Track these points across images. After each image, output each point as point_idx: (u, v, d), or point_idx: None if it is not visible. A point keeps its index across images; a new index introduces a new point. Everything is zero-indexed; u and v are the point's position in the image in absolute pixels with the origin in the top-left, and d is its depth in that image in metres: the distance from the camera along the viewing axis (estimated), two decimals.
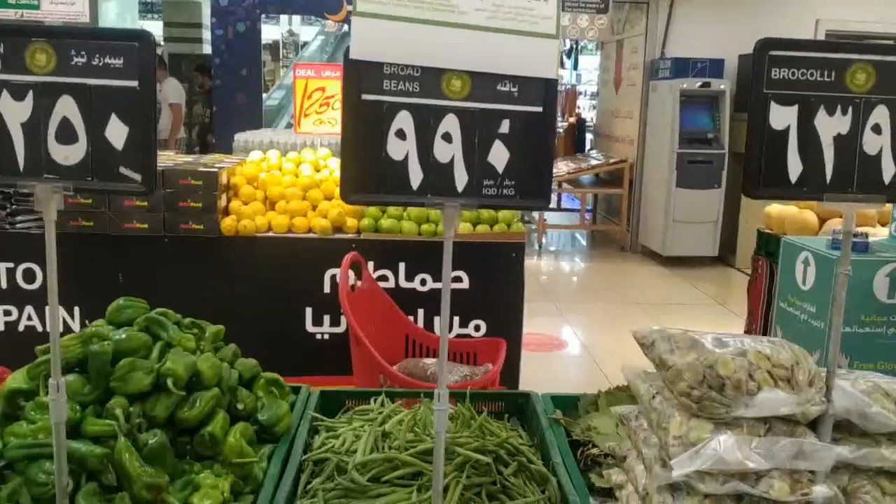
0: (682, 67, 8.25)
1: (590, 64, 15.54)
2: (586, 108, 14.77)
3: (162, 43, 12.79)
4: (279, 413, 1.87)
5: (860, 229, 4.90)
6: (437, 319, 4.13)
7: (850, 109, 1.27)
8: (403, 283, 4.08)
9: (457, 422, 1.82)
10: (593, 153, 10.44)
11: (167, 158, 4.35)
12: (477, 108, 1.29)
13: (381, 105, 1.26)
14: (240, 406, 1.80)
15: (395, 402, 2.05)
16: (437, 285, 4.11)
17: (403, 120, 1.27)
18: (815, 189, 1.29)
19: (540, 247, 9.25)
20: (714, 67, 8.35)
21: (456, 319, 4.15)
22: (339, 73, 4.98)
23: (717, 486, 1.30)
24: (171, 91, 8.91)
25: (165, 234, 3.88)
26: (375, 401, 2.08)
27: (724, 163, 8.27)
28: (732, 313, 6.75)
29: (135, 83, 1.21)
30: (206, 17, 9.62)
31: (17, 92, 1.20)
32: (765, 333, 4.72)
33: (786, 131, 1.27)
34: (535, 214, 9.44)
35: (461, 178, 1.31)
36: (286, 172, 4.29)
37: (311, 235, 4.03)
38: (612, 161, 9.33)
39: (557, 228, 10.31)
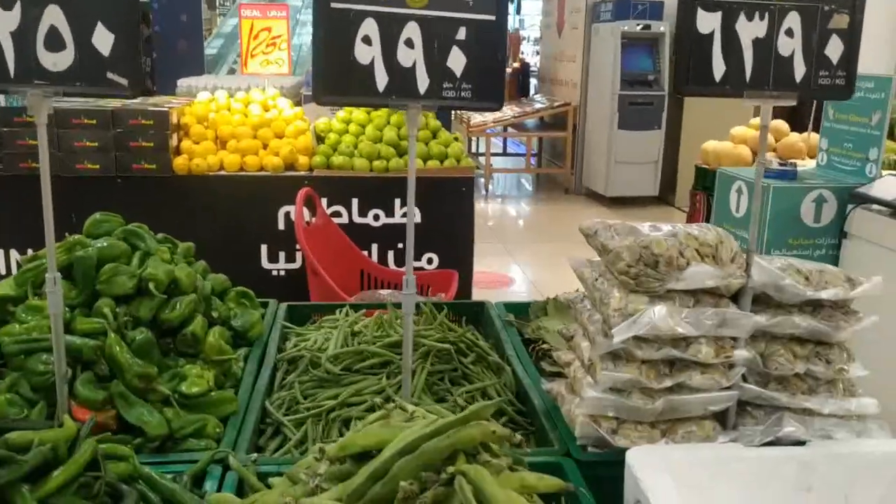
0: (623, 10, 8.40)
1: (533, 9, 15.59)
2: (530, 54, 14.85)
3: None
4: (252, 320, 2.00)
5: (790, 160, 5.18)
6: (390, 253, 4.27)
7: (766, 15, 1.43)
8: (357, 219, 4.20)
9: (419, 321, 1.98)
10: (537, 97, 10.58)
11: (114, 100, 4.33)
12: (436, 16, 1.41)
13: (348, 13, 1.37)
14: (214, 314, 1.92)
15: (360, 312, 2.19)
16: (390, 220, 4.24)
17: (369, 27, 1.38)
18: (736, 87, 1.46)
19: (487, 191, 9.42)
20: (654, 10, 8.52)
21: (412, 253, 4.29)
22: (285, 13, 4.98)
23: (653, 352, 1.48)
24: None
25: (118, 174, 3.90)
26: (340, 312, 2.22)
27: (664, 104, 8.50)
28: None
29: None
30: None
31: (6, 2, 1.28)
32: None
33: (710, 35, 1.42)
34: (482, 159, 9.59)
35: (423, 81, 1.43)
36: (235, 112, 4.32)
37: (263, 173, 4.10)
38: (555, 105, 9.50)
39: (504, 172, 10.48)
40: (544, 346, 2.03)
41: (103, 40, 1.30)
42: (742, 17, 1.42)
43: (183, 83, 5.51)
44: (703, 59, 1.43)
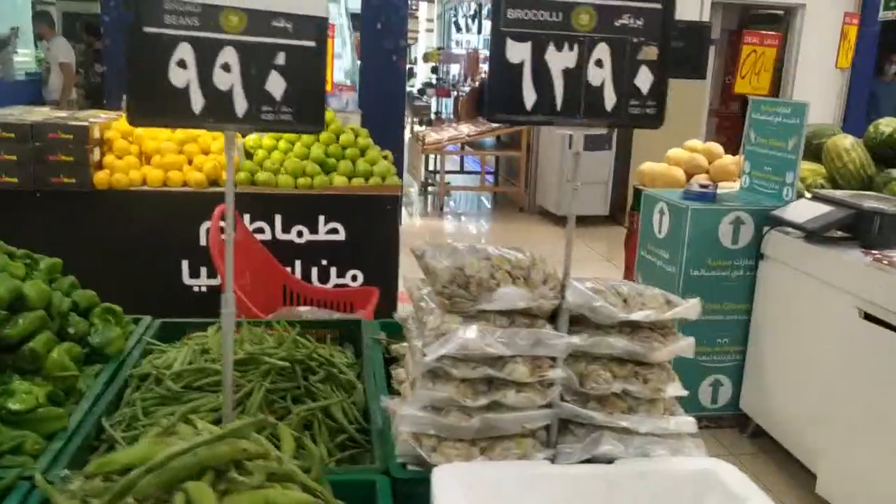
0: None
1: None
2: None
3: (55, 1, 12.33)
4: (111, 336, 2.01)
5: (720, 183, 5.29)
6: (314, 270, 4.29)
7: (575, 46, 1.48)
8: (280, 236, 4.22)
9: (274, 339, 2.00)
10: None
11: (40, 114, 4.34)
12: (254, 42, 1.45)
13: (161, 37, 1.40)
14: (71, 330, 1.94)
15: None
16: (314, 237, 4.26)
17: (184, 51, 1.41)
18: (546, 115, 1.50)
19: (441, 208, 9.47)
20: None
21: (333, 270, 4.32)
22: None
23: (469, 370, 1.51)
24: (60, 49, 8.66)
25: (36, 187, 3.90)
26: (211, 328, 2.23)
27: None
28: (616, 268, 7.13)
29: None
30: None
31: None
32: None
33: (521, 64, 1.47)
34: (437, 177, 9.65)
35: (241, 105, 1.46)
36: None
37: (185, 189, 4.11)
38: None
39: (460, 190, 10.55)
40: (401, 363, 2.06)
41: None
42: (551, 48, 1.47)
43: None
44: (514, 87, 1.47)
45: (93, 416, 1.71)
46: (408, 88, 10.02)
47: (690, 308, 1.62)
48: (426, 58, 15.91)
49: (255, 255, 3.96)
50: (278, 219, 4.20)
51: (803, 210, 3.86)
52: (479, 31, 13.96)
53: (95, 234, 4.02)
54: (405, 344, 1.99)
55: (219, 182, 4.17)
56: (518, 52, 1.46)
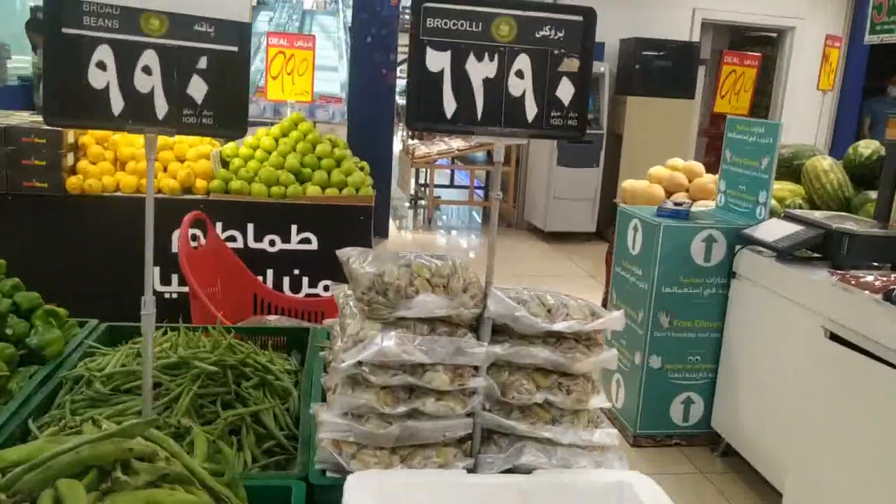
0: None
1: None
2: None
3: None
4: (49, 338, 2.01)
5: (700, 201, 5.29)
6: (286, 279, 4.29)
7: (496, 56, 1.48)
8: (252, 244, 4.22)
9: (209, 344, 2.00)
10: None
11: (18, 118, 4.35)
12: (175, 45, 1.46)
13: (81, 38, 1.41)
14: (8, 331, 1.93)
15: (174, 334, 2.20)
16: (286, 246, 4.26)
17: (104, 52, 1.42)
18: (467, 124, 1.51)
19: (429, 221, 9.48)
20: (595, 50, 8.67)
21: (305, 280, 4.32)
22: None
23: (388, 378, 1.51)
24: None
25: (9, 191, 3.91)
26: (159, 331, 2.23)
27: (602, 143, 8.64)
28: (600, 284, 7.12)
29: None
30: None
31: None
32: None
33: (441, 73, 1.47)
34: (426, 190, 9.67)
35: (161, 108, 1.47)
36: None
37: (159, 196, 4.12)
38: None
39: (448, 204, 10.56)
40: None
41: None
42: (472, 58, 1.48)
43: None
44: (434, 96, 1.48)
45: (19, 416, 1.70)
46: (399, 101, 10.05)
47: (614, 320, 1.61)
48: None
49: (226, 263, 3.96)
50: (251, 227, 4.21)
51: (774, 229, 3.86)
52: None
53: (68, 239, 4.02)
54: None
55: (192, 189, 4.19)
56: (438, 60, 1.47)
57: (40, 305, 2.14)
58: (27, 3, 14.26)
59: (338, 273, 4.41)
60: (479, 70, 1.48)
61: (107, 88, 1.44)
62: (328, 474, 1.55)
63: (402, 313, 1.49)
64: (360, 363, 1.48)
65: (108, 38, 1.42)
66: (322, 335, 2.33)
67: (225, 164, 4.45)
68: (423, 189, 10.19)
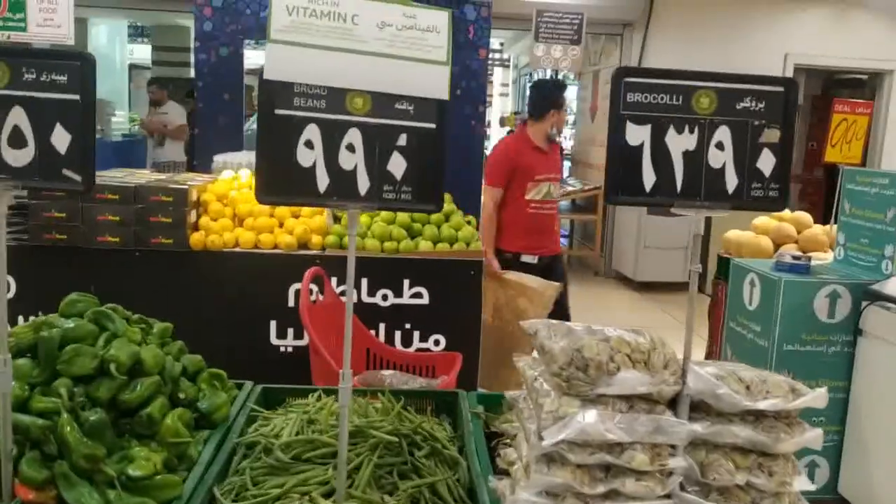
0: None
1: (569, 93, 15.81)
2: (566, 137, 15.10)
3: (150, 66, 13.05)
4: (218, 402, 2.05)
5: (811, 254, 5.14)
6: (398, 333, 4.31)
7: (696, 129, 1.47)
8: (366, 299, 4.26)
9: (379, 411, 2.00)
10: (570, 180, 10.68)
11: (141, 176, 4.54)
12: (377, 123, 1.49)
13: (291, 119, 1.46)
14: (181, 395, 1.98)
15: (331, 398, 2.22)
16: (399, 300, 4.29)
17: (311, 132, 1.47)
18: (667, 197, 1.49)
19: None
20: None
21: (416, 334, 4.33)
22: None
23: (586, 456, 1.47)
24: (176, 113, 9.24)
25: (137, 247, 4.06)
26: (312, 396, 2.25)
27: None
28: (699, 336, 6.93)
29: (77, 96, 1.40)
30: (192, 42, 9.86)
31: None
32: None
33: (640, 147, 1.46)
34: None
35: (363, 184, 1.50)
36: None
37: (276, 251, 4.21)
38: (587, 188, 9.57)
39: None
40: (507, 441, 2.03)
41: (61, 139, 1.40)
42: (671, 130, 1.46)
43: (219, 158, 5.73)
44: (634, 169, 1.47)
45: (204, 484, 1.72)
46: (486, 152, 10.13)
47: (817, 397, 1.55)
48: (502, 122, 16.07)
49: (341, 318, 4.00)
50: (364, 282, 4.25)
51: None
52: None
53: (190, 294, 4.14)
54: (515, 423, 1.96)
55: (308, 245, 4.27)
56: (638, 134, 1.46)
57: (204, 368, 2.19)
58: (125, 62, 15.07)
59: (448, 328, 4.41)
60: (679, 143, 1.46)
61: (314, 166, 1.48)
62: None
63: (603, 390, 1.46)
64: (559, 441, 1.45)
65: (316, 117, 1.46)
66: (473, 400, 2.31)
67: (336, 219, 4.53)
68: None
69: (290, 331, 4.24)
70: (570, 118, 13.73)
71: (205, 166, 7.02)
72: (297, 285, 4.19)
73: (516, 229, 5.08)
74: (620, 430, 1.46)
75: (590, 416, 1.44)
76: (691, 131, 1.46)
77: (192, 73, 10.23)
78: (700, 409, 1.56)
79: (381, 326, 4.28)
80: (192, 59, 10.44)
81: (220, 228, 4.20)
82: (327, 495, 1.60)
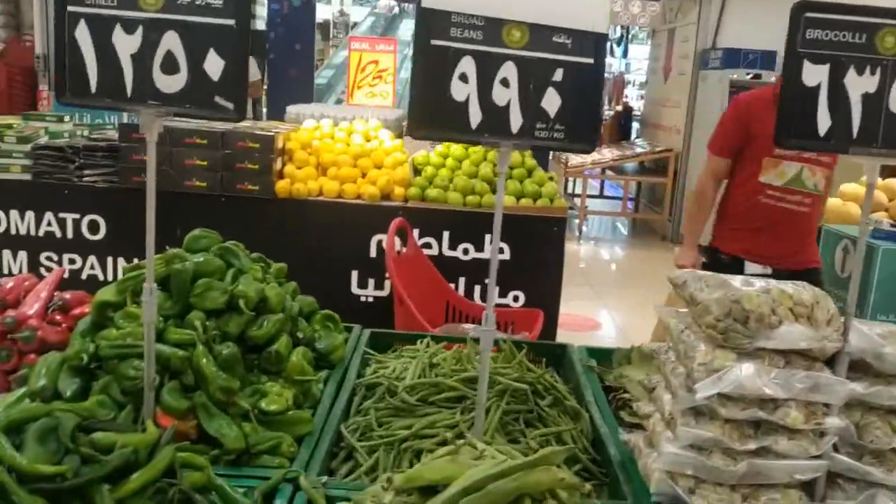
0: (733, 58, 8.23)
1: (639, 54, 15.50)
2: (634, 98, 14.75)
3: None
4: (335, 343, 2.04)
5: None
6: (477, 288, 4.27)
7: (878, 70, 1.37)
8: (447, 252, 4.23)
9: (498, 359, 1.97)
10: (639, 141, 10.47)
11: (223, 122, 4.54)
12: (533, 57, 1.43)
13: (447, 50, 1.40)
14: (300, 334, 1.97)
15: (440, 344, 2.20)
16: (479, 255, 4.25)
17: (466, 65, 1.41)
18: (841, 142, 1.40)
19: (580, 233, 9.32)
20: (765, 59, 8.30)
21: (495, 289, 4.29)
22: (393, 46, 5.12)
23: (737, 411, 1.42)
24: (251, 68, 9.32)
25: (223, 192, 4.08)
26: (421, 342, 2.23)
27: None
28: None
29: (232, 21, 1.37)
30: None
31: (129, 26, 1.37)
32: None
33: (817, 88, 1.37)
34: (577, 200, 9.52)
35: (516, 121, 1.44)
36: (338, 141, 4.46)
37: (359, 201, 4.20)
38: (657, 150, 9.36)
39: (599, 215, 10.37)
40: (625, 395, 1.98)
41: (214, 66, 1.37)
42: (852, 71, 1.37)
43: (292, 110, 5.73)
44: (808, 112, 1.38)
45: (331, 422, 1.72)
46: None
47: None
48: None
49: (424, 270, 3.99)
50: (446, 235, 4.21)
51: None
52: (625, 55, 13.76)
53: (273, 241, 4.13)
54: (632, 377, 1.91)
55: (391, 196, 4.24)
56: (815, 74, 1.37)
57: (317, 310, 2.18)
58: None
59: (528, 285, 4.33)
60: (859, 84, 1.37)
61: (467, 101, 1.42)
62: None
63: (763, 343, 1.40)
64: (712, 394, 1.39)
65: (471, 49, 1.41)
66: (583, 354, 2.26)
67: (417, 171, 4.49)
68: (571, 199, 10.05)
69: (371, 281, 4.24)
70: (643, 77, 13.41)
71: (275, 117, 7.01)
72: (378, 236, 4.18)
73: (740, 223, 3.46)
74: (777, 385, 1.40)
75: (747, 370, 1.38)
76: (872, 72, 1.37)
77: (259, 26, 10.19)
78: (856, 368, 1.48)
79: (461, 280, 4.25)
80: (261, 12, 10.41)
81: (305, 177, 4.19)
82: (457, 439, 1.57)
